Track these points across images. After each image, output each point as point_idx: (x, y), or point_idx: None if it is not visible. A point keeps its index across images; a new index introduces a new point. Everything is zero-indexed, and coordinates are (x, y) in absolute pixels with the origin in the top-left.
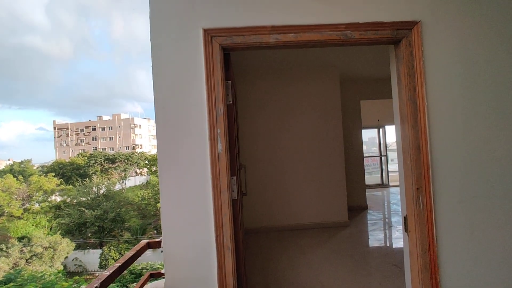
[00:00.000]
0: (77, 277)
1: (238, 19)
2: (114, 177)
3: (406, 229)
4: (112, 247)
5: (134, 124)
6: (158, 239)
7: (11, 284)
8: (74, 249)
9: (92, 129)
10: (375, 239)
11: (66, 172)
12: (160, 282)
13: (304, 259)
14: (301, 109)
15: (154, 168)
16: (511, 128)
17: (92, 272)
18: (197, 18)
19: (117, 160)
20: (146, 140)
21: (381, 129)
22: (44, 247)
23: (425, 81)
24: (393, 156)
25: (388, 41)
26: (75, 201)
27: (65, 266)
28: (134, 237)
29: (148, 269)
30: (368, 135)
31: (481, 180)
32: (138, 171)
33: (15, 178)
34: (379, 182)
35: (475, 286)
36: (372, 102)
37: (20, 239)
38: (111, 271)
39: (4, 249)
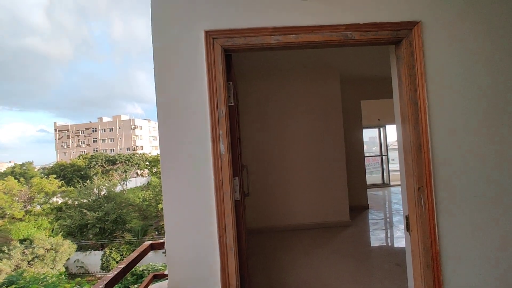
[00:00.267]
0: (79, 278)
1: (239, 21)
2: (115, 178)
3: (408, 228)
4: (113, 248)
5: (135, 125)
6: (161, 241)
7: (13, 286)
8: (76, 251)
9: (93, 131)
10: (377, 238)
11: (67, 174)
12: (163, 283)
13: (306, 259)
14: (302, 109)
15: (155, 169)
16: None
17: (94, 274)
18: (199, 20)
19: (118, 162)
20: (146, 141)
21: (381, 129)
22: (46, 249)
23: (425, 81)
24: (394, 155)
25: (389, 41)
26: (76, 202)
27: (67, 268)
28: (135, 239)
29: (149, 270)
30: (369, 135)
31: (482, 179)
32: (139, 172)
33: (17, 180)
34: (380, 181)
35: (477, 285)
36: (372, 101)
37: (22, 241)
38: (115, 272)
39: (6, 251)
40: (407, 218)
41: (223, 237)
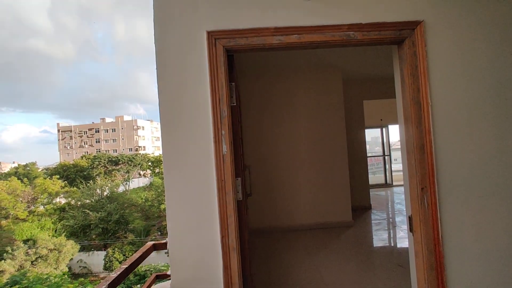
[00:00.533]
0: (82, 279)
1: (241, 21)
2: (117, 179)
3: (411, 229)
4: (116, 248)
5: (137, 126)
6: (164, 241)
7: (17, 286)
8: (79, 251)
9: (96, 131)
10: (379, 239)
11: (70, 174)
12: (166, 283)
13: (309, 259)
14: (304, 110)
15: (157, 170)
16: None
17: (96, 274)
18: (201, 21)
19: (121, 162)
20: (149, 141)
21: (384, 129)
22: (49, 249)
23: (428, 81)
24: (396, 155)
25: (391, 41)
26: (79, 203)
27: (70, 268)
28: (138, 239)
29: (152, 271)
30: (371, 135)
31: (486, 179)
32: (142, 172)
33: (20, 180)
34: (383, 181)
35: (481, 286)
36: (375, 101)
37: (25, 241)
38: (119, 272)
39: (10, 251)
40: (410, 219)
41: (225, 237)
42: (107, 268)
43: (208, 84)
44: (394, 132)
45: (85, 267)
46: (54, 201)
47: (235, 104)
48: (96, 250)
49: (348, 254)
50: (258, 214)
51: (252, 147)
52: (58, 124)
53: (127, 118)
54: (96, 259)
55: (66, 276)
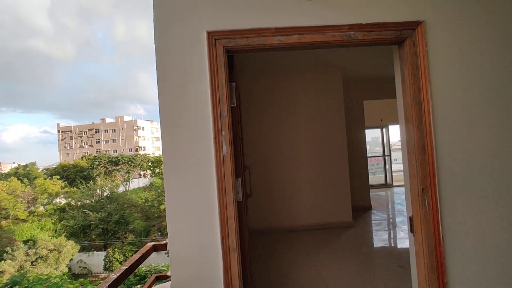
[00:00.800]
0: (82, 279)
1: (242, 21)
2: (117, 179)
3: (411, 229)
4: (116, 249)
5: (137, 126)
6: (164, 242)
7: (17, 286)
8: (79, 251)
9: (96, 132)
10: (380, 239)
11: (70, 175)
12: (166, 284)
13: (309, 259)
14: (304, 110)
15: (157, 170)
16: None
17: (96, 274)
18: (201, 21)
19: (121, 162)
20: (149, 142)
21: (384, 129)
22: (49, 250)
23: (429, 81)
24: (396, 155)
25: (392, 41)
26: (79, 203)
27: (70, 269)
28: (138, 239)
29: (152, 271)
30: (371, 135)
31: (487, 180)
32: (142, 173)
33: (20, 181)
34: (383, 182)
35: (482, 287)
36: (375, 102)
37: (25, 241)
38: (118, 274)
39: (10, 252)
40: (411, 219)
41: (225, 238)
42: (107, 268)
43: (208, 84)
44: (394, 133)
45: (85, 267)
46: (54, 202)
47: (235, 105)
48: (96, 251)
49: (348, 255)
50: (258, 214)
51: (252, 148)
52: (58, 124)
53: (127, 118)
54: (96, 260)
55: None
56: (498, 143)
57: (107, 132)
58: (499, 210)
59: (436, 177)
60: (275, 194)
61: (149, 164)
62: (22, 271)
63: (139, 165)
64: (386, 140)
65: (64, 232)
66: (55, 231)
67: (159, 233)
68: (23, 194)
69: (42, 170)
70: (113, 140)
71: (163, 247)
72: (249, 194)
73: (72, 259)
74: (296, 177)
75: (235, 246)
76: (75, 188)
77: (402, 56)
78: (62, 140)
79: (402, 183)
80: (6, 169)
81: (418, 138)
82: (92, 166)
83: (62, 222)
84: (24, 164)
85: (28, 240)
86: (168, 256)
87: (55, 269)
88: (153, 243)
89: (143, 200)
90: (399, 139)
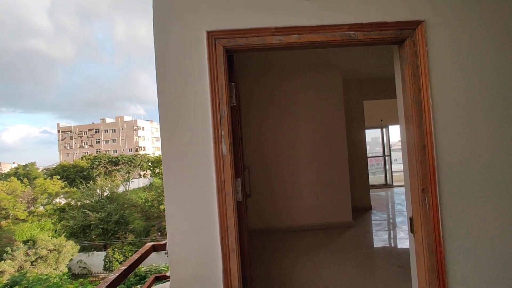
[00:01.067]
0: (82, 279)
1: (241, 21)
2: (117, 179)
3: (412, 230)
4: (116, 249)
5: (137, 126)
6: (163, 242)
7: (17, 286)
8: (79, 252)
9: (96, 132)
10: (380, 239)
11: (70, 175)
12: (166, 285)
13: (308, 260)
14: (304, 110)
15: (157, 170)
16: None
17: (96, 274)
18: (201, 21)
19: (121, 162)
20: (149, 142)
21: (384, 129)
22: (49, 250)
23: (429, 81)
24: (396, 156)
25: (392, 41)
26: (79, 203)
27: (69, 269)
28: (138, 239)
29: (153, 271)
30: (371, 135)
31: (488, 180)
32: (142, 173)
33: (20, 181)
34: (383, 182)
35: (483, 287)
36: (375, 102)
37: (25, 242)
38: (117, 274)
39: (10, 252)
40: (411, 220)
41: (225, 238)
42: (107, 268)
43: (207, 84)
44: (394, 133)
45: (85, 267)
46: (54, 202)
47: (234, 104)
48: (96, 251)
49: (348, 255)
50: (258, 214)
51: (252, 147)
52: (58, 124)
53: (127, 118)
54: (96, 260)
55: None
56: (498, 143)
57: (107, 132)
58: (499, 210)
59: (437, 177)
60: (275, 194)
61: (149, 164)
62: (22, 271)
63: (139, 165)
64: (386, 140)
65: (64, 232)
66: (55, 231)
67: (159, 233)
68: (23, 194)
69: (42, 170)
70: (113, 140)
71: (163, 247)
72: (249, 194)
73: (72, 259)
74: (296, 177)
75: (235, 246)
76: (75, 188)
77: (402, 56)
78: (62, 140)
79: (402, 183)
80: (6, 169)
81: (419, 138)
82: (92, 166)
83: (62, 222)
84: (24, 164)
85: (28, 240)
86: (167, 256)
87: (55, 269)
88: (152, 243)
89: (143, 200)
90: (399, 139)
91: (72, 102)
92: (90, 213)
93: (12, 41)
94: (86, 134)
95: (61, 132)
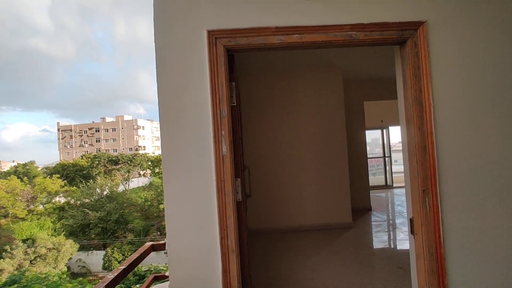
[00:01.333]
0: (81, 278)
1: (242, 20)
2: (117, 178)
3: (412, 231)
4: (115, 248)
5: (137, 126)
6: (162, 242)
7: (16, 285)
8: (78, 250)
9: (96, 131)
10: (379, 240)
11: (70, 174)
12: (164, 284)
13: (308, 260)
14: (304, 110)
15: (157, 170)
16: None
17: (95, 273)
18: (201, 20)
19: (120, 162)
20: (149, 141)
21: (384, 130)
22: (48, 249)
23: (431, 82)
24: (396, 157)
25: (393, 41)
26: (78, 202)
27: (68, 267)
28: (137, 239)
29: (152, 271)
30: (372, 136)
31: (489, 181)
32: (141, 172)
33: (20, 179)
34: (383, 183)
35: None
36: (375, 103)
37: (24, 240)
38: (116, 274)
39: (9, 250)
40: (411, 221)
41: (224, 238)
42: (106, 267)
43: (208, 83)
44: (395, 134)
45: (84, 266)
46: (53, 200)
47: (235, 104)
48: (95, 250)
49: (348, 256)
50: (257, 214)
51: (252, 147)
52: (58, 123)
53: (127, 117)
54: (95, 259)
55: (65, 275)
56: (500, 144)
57: (107, 131)
58: (500, 212)
59: (437, 178)
60: (274, 195)
61: (149, 163)
62: (21, 270)
63: (139, 164)
64: (387, 141)
65: (63, 231)
66: (54, 230)
67: (158, 233)
68: (23, 192)
69: (41, 169)
70: (113, 139)
71: (162, 247)
72: (249, 194)
73: (71, 258)
74: (296, 177)
75: (234, 246)
76: (74, 187)
77: (403, 57)
78: (62, 139)
79: (402, 184)
80: (6, 167)
81: (419, 139)
82: (92, 165)
83: (61, 221)
84: (24, 162)
85: (27, 239)
86: (167, 256)
87: (54, 268)
88: (151, 242)
89: (143, 200)
90: (399, 140)
91: (72, 101)
92: (90, 212)
93: (12, 40)
94: (86, 133)
95: (61, 131)
